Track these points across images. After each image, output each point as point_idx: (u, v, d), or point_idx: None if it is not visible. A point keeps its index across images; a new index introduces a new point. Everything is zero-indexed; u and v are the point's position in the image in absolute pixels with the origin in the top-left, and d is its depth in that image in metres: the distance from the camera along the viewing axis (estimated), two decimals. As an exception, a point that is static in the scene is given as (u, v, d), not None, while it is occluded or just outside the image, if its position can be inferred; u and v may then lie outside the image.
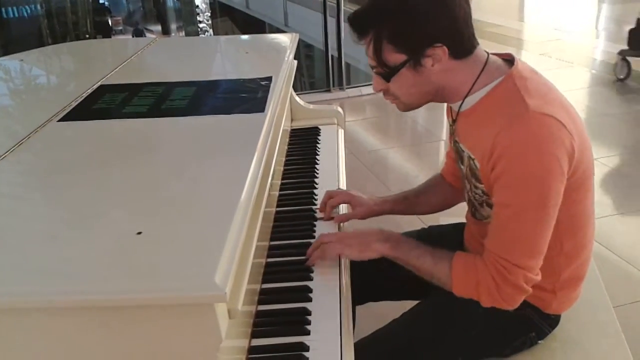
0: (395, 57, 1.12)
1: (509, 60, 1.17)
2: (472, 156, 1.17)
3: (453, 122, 1.25)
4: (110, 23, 10.17)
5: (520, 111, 1.05)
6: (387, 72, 1.14)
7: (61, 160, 1.23)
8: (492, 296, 1.11)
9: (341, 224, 1.43)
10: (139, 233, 0.88)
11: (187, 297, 0.78)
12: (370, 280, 1.39)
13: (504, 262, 1.09)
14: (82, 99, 1.55)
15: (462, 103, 1.17)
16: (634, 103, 4.54)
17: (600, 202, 2.89)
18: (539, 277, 1.11)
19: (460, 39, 1.11)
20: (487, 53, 1.17)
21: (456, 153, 1.28)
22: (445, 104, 1.27)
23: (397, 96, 1.19)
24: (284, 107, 1.79)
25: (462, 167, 1.26)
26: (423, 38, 1.09)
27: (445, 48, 1.09)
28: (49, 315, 0.82)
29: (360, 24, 1.14)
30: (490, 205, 1.18)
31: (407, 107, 1.22)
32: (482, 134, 1.11)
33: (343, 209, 1.49)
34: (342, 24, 4.83)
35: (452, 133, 1.28)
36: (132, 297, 0.78)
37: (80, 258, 0.86)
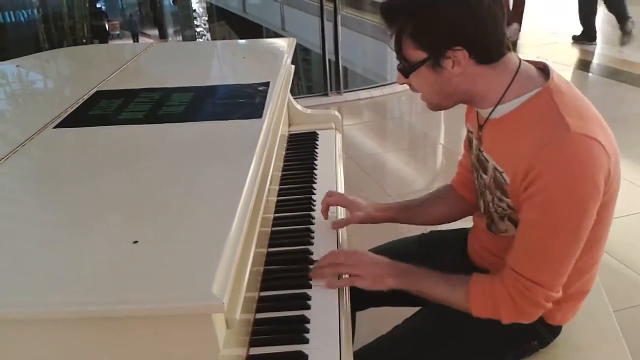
0: (415, 54, 1.10)
1: (543, 69, 1.14)
2: (500, 169, 1.14)
3: (479, 128, 1.21)
4: (107, 27, 10.17)
5: (561, 131, 1.01)
6: (406, 68, 1.12)
7: (56, 168, 1.22)
8: (512, 315, 1.11)
9: (339, 231, 1.42)
10: (136, 242, 0.87)
11: (184, 308, 0.77)
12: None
13: (526, 281, 1.08)
14: (78, 105, 1.54)
15: (492, 110, 1.14)
16: (631, 106, 4.55)
17: (599, 206, 2.88)
18: (559, 294, 1.10)
19: (485, 46, 1.08)
20: (520, 60, 1.13)
21: (477, 162, 1.25)
22: (464, 110, 1.24)
23: (420, 93, 1.17)
24: (282, 113, 1.78)
25: (484, 176, 1.22)
26: (443, 39, 1.06)
27: (465, 52, 1.06)
28: (45, 326, 0.81)
29: (387, 14, 1.12)
30: (512, 220, 1.16)
31: (434, 107, 1.19)
32: (516, 148, 1.07)
33: (341, 213, 1.48)
34: (339, 28, 4.83)
35: (475, 139, 1.25)
36: (128, 307, 0.77)
37: (75, 267, 0.84)
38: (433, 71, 1.10)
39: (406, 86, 1.20)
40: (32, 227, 0.99)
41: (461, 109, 1.27)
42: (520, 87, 1.10)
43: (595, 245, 1.17)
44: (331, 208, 1.46)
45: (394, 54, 1.14)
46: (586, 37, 6.26)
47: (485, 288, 1.13)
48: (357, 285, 1.21)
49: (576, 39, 6.32)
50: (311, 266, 1.25)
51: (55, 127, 1.40)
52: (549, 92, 1.08)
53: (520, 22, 6.50)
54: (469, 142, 1.32)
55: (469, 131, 1.31)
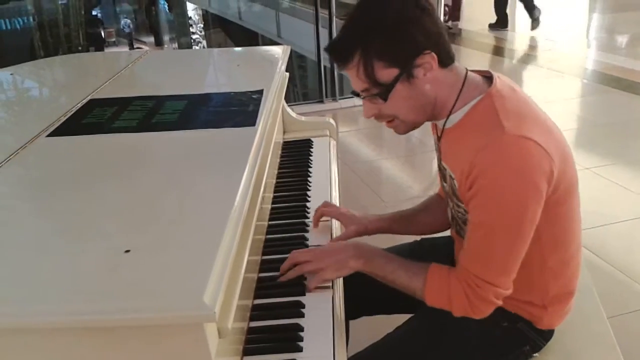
0: (387, 73, 1.10)
1: (488, 77, 1.17)
2: (453, 175, 1.17)
3: (438, 139, 1.24)
4: (103, 35, 10.16)
5: (496, 134, 1.05)
6: (383, 92, 1.12)
7: (48, 177, 1.22)
8: (464, 308, 1.13)
9: (332, 237, 1.42)
10: (127, 251, 0.87)
11: (175, 317, 0.77)
12: (364, 294, 1.37)
13: (475, 278, 1.11)
14: (71, 114, 1.54)
15: (446, 121, 1.17)
16: (625, 112, 4.56)
17: (593, 212, 2.89)
18: (509, 291, 1.12)
19: (444, 44, 1.12)
20: (466, 69, 1.17)
21: (440, 171, 1.28)
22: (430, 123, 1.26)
23: (395, 116, 1.18)
24: (276, 120, 1.78)
25: (444, 185, 1.26)
26: (411, 47, 1.09)
27: (433, 54, 1.09)
28: (36, 335, 0.81)
29: (343, 49, 1.12)
30: None
31: (408, 127, 1.21)
32: (461, 154, 1.11)
33: (335, 224, 1.47)
34: (335, 35, 4.84)
35: (436, 151, 1.28)
36: (119, 317, 0.77)
37: (67, 277, 0.84)
38: (408, 84, 1.12)
39: None
40: (24, 235, 0.99)
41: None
42: (467, 96, 1.14)
43: (562, 243, 1.20)
44: (325, 217, 1.46)
45: None
46: (500, 24, 7.30)
47: (442, 280, 1.15)
48: (323, 278, 1.20)
49: (491, 26, 7.34)
50: (305, 281, 1.23)
51: (49, 135, 1.40)
52: (490, 98, 1.11)
53: (458, 19, 7.49)
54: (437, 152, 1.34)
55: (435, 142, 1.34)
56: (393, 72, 1.10)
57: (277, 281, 1.22)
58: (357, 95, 1.18)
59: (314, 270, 1.20)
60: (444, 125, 1.19)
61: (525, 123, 1.07)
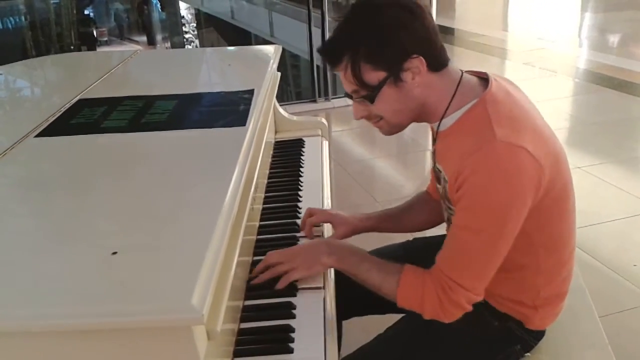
0: (375, 76, 1.11)
1: (485, 79, 1.17)
2: (446, 178, 1.16)
3: (434, 142, 1.24)
4: (95, 34, 10.12)
5: (486, 139, 1.05)
6: (370, 94, 1.13)
7: (35, 178, 1.21)
8: (435, 310, 1.12)
9: (324, 236, 1.41)
10: (114, 253, 0.86)
11: (163, 320, 0.76)
12: (355, 294, 1.36)
13: (450, 281, 1.10)
14: (60, 114, 1.53)
15: (439, 124, 1.17)
16: (617, 111, 4.58)
17: (585, 211, 2.90)
18: (480, 297, 1.12)
19: (435, 49, 1.12)
20: (462, 71, 1.16)
21: (435, 173, 1.28)
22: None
23: (382, 117, 1.18)
24: (267, 120, 1.77)
25: (439, 186, 1.25)
26: (399, 51, 1.08)
27: (422, 59, 1.09)
28: (22, 338, 0.80)
29: (333, 51, 1.14)
30: None
31: (392, 129, 1.21)
32: (452, 157, 1.11)
33: (327, 229, 1.46)
34: (327, 34, 4.84)
35: (432, 152, 1.28)
36: (106, 320, 0.76)
37: (53, 280, 0.83)
38: (395, 88, 1.12)
39: None
40: (11, 237, 0.98)
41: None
42: (462, 98, 1.13)
43: (557, 247, 1.19)
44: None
45: None
46: None
47: (416, 280, 1.14)
48: (295, 278, 1.20)
49: None
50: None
51: (37, 136, 1.39)
52: (484, 103, 1.11)
53: None
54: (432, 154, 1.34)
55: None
56: (380, 75, 1.10)
57: (250, 284, 1.21)
58: (350, 96, 1.18)
59: (286, 271, 1.20)
60: (437, 128, 1.18)
61: (517, 130, 1.06)
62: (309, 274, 1.21)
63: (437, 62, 1.12)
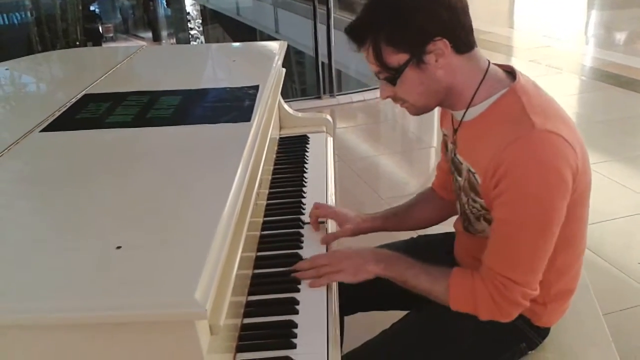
0: (397, 58, 1.10)
1: (510, 72, 1.16)
2: (473, 170, 1.15)
3: (454, 132, 1.22)
4: (100, 30, 10.14)
5: (525, 129, 1.03)
6: (392, 75, 1.12)
7: (41, 173, 1.21)
8: (491, 311, 1.11)
9: (329, 231, 1.41)
10: (119, 247, 0.87)
11: (166, 314, 0.76)
12: (359, 290, 1.36)
13: (502, 278, 1.08)
14: (65, 109, 1.53)
15: (465, 112, 1.16)
16: (623, 109, 4.56)
17: (590, 209, 2.89)
18: (536, 292, 1.11)
19: (461, 31, 1.10)
20: (489, 61, 1.15)
21: (452, 164, 1.26)
22: (439, 115, 1.26)
23: (405, 99, 1.17)
24: (272, 116, 1.77)
25: (459, 179, 1.24)
26: (420, 33, 1.07)
27: (445, 41, 1.07)
28: (25, 332, 0.80)
29: (356, 32, 1.13)
30: (487, 220, 1.17)
31: (418, 110, 1.19)
32: (485, 148, 1.09)
33: (331, 226, 1.46)
34: (332, 31, 4.83)
35: (450, 143, 1.26)
36: (110, 314, 0.76)
37: (58, 273, 0.83)
38: (418, 70, 1.10)
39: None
40: (16, 231, 0.98)
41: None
42: (489, 89, 1.12)
43: (572, 244, 1.19)
44: (321, 218, 1.45)
45: None
46: None
47: (465, 283, 1.13)
48: (340, 280, 1.20)
49: None
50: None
51: (42, 130, 1.39)
52: (515, 93, 1.10)
53: None
54: (445, 146, 1.33)
55: (444, 135, 1.33)
56: (403, 57, 1.10)
57: (291, 276, 1.22)
58: (377, 77, 1.17)
59: (332, 272, 1.20)
60: (462, 118, 1.17)
61: (551, 119, 1.06)
62: (354, 280, 1.20)
63: (463, 44, 1.11)
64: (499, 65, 1.18)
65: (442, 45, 1.08)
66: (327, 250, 1.35)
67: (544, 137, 1.02)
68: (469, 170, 1.17)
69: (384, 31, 1.09)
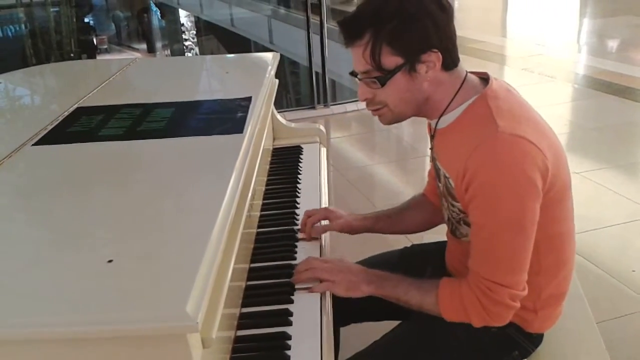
0: (392, 60, 1.10)
1: (485, 78, 1.18)
2: (447, 175, 1.17)
3: (431, 139, 1.25)
4: (95, 42, 10.14)
5: (489, 132, 1.06)
6: (383, 77, 1.12)
7: (32, 187, 1.21)
8: (481, 316, 1.12)
9: (323, 244, 1.41)
10: (110, 261, 0.86)
11: (157, 328, 0.76)
12: (352, 301, 1.37)
13: (487, 282, 1.10)
14: (57, 122, 1.53)
15: (438, 121, 1.18)
16: (616, 117, 4.59)
17: (584, 216, 2.90)
18: (525, 292, 1.11)
19: (452, 49, 1.12)
20: (466, 71, 1.17)
21: (435, 171, 1.28)
22: (427, 122, 1.27)
23: (385, 104, 1.16)
24: (264, 127, 1.78)
25: (439, 184, 1.26)
26: (422, 41, 1.08)
27: (439, 54, 1.09)
28: (17, 347, 0.80)
29: (357, 25, 1.12)
30: (467, 224, 1.18)
31: (393, 117, 1.19)
32: (456, 154, 1.11)
33: (328, 239, 1.47)
34: (326, 41, 4.85)
35: (431, 149, 1.28)
36: (101, 328, 0.76)
37: (48, 288, 0.83)
38: (408, 77, 1.12)
39: None
40: (7, 245, 0.98)
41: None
42: (463, 96, 1.14)
43: (558, 245, 1.20)
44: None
45: None
46: None
47: (453, 291, 1.14)
48: (332, 291, 1.21)
49: None
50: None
51: (34, 144, 1.39)
52: (485, 98, 1.12)
53: None
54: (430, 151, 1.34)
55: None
56: (397, 60, 1.10)
57: (290, 280, 1.22)
58: (355, 75, 1.16)
59: (327, 279, 1.20)
60: (436, 125, 1.19)
61: (518, 123, 1.07)
62: (346, 294, 1.21)
63: (451, 60, 1.13)
64: (475, 73, 1.20)
65: (435, 58, 1.09)
66: (320, 250, 1.37)
67: (507, 140, 1.04)
68: (445, 176, 1.19)
69: (387, 29, 1.08)
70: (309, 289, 1.20)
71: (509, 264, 1.09)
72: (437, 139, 1.22)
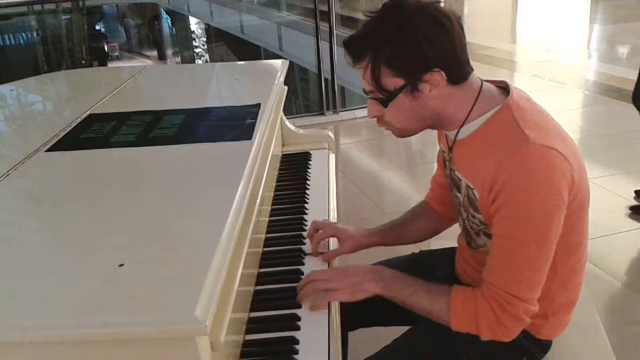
0: (393, 82, 1.11)
1: (504, 87, 1.17)
2: (471, 186, 1.16)
3: (449, 150, 1.23)
4: (106, 49, 10.24)
5: (520, 143, 1.04)
6: (385, 98, 1.13)
7: (46, 192, 1.23)
8: (492, 329, 1.10)
9: (329, 248, 1.42)
10: (121, 265, 0.88)
11: (167, 331, 0.77)
12: (361, 305, 1.37)
13: (505, 295, 1.08)
14: (70, 128, 1.56)
15: (458, 131, 1.17)
16: (626, 123, 4.56)
17: (593, 223, 2.85)
18: (537, 308, 1.11)
19: (457, 65, 1.11)
20: (481, 80, 1.16)
21: (451, 181, 1.27)
22: (436, 131, 1.27)
23: (391, 123, 1.18)
24: (273, 134, 1.79)
25: (458, 195, 1.25)
26: (421, 62, 1.08)
27: (442, 73, 1.09)
28: (30, 349, 0.81)
29: (357, 47, 1.13)
30: (487, 235, 1.17)
31: (403, 133, 1.21)
32: (482, 164, 1.10)
33: (332, 242, 1.47)
34: (335, 48, 4.87)
35: (447, 160, 1.27)
36: (110, 331, 0.77)
37: (60, 291, 0.85)
38: (411, 97, 1.12)
39: None
40: (21, 250, 1.00)
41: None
42: (483, 106, 1.14)
43: (574, 254, 1.19)
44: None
45: None
46: None
47: (467, 300, 1.12)
48: (338, 299, 1.20)
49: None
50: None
51: (48, 150, 1.41)
52: (509, 108, 1.11)
53: None
54: (442, 161, 1.34)
55: (441, 150, 1.34)
56: (398, 82, 1.11)
57: (297, 299, 1.20)
58: (366, 94, 1.17)
59: (328, 288, 1.18)
60: (455, 136, 1.18)
61: (547, 134, 1.07)
62: (352, 299, 1.18)
63: (458, 75, 1.12)
64: (492, 82, 1.19)
65: (438, 77, 1.09)
66: (328, 267, 1.36)
67: (538, 151, 1.04)
68: (468, 187, 1.17)
69: (385, 52, 1.09)
70: (312, 307, 1.17)
71: (529, 278, 1.08)
72: (456, 149, 1.20)
